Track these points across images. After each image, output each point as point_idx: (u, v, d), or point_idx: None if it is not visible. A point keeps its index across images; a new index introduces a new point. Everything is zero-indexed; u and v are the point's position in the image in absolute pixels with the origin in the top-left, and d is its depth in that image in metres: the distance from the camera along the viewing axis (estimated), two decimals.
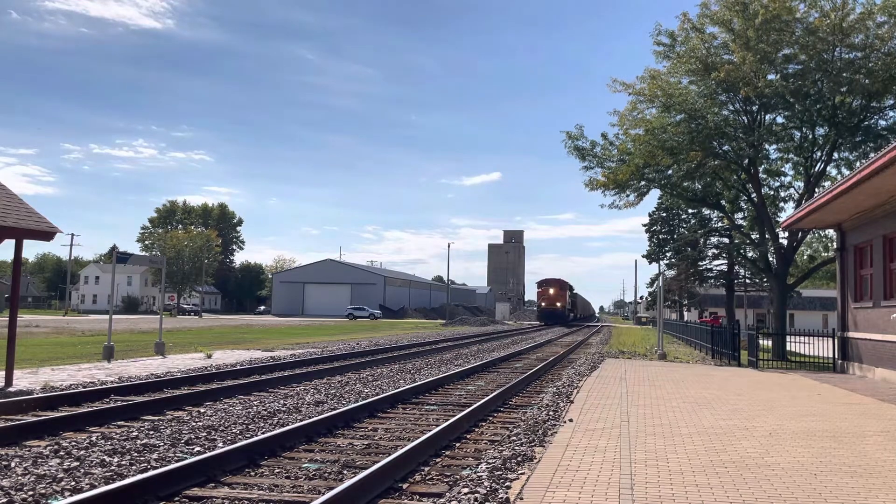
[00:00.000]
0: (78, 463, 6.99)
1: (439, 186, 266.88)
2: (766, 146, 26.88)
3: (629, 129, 27.73)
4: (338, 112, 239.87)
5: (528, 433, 9.02)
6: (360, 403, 10.96)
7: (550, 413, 10.79)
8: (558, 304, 72.91)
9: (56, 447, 7.71)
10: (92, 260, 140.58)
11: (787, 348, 24.98)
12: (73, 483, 6.25)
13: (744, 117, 26.85)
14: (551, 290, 73.49)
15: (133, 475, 6.48)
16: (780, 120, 27.43)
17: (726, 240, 50.78)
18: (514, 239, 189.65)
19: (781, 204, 30.14)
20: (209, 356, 21.15)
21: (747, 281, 57.56)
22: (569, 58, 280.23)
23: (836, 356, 20.85)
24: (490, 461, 7.39)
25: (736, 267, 54.25)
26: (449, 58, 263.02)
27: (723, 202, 32.54)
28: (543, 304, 74.23)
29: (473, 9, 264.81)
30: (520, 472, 6.92)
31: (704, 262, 57.81)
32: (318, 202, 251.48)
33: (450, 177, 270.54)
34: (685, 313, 70.45)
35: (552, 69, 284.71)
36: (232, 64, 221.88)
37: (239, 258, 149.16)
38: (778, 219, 28.57)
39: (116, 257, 22.00)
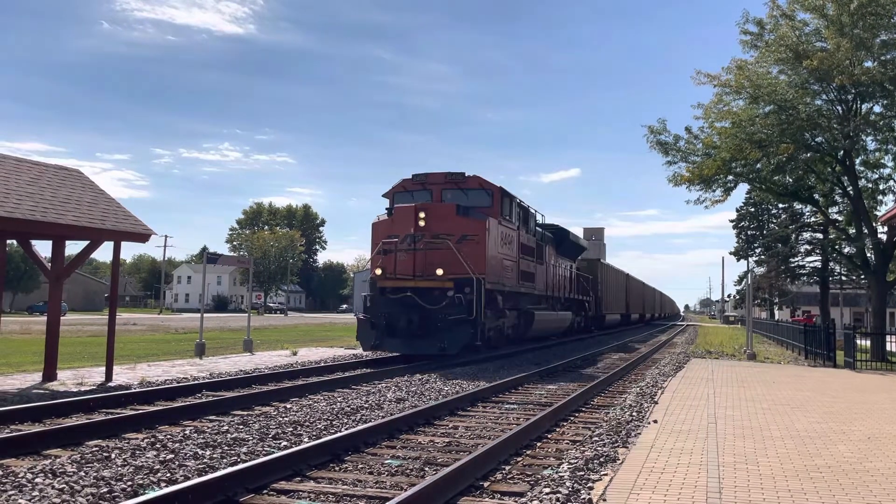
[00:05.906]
0: (173, 455, 7.28)
1: (517, 183, 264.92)
2: (863, 137, 25.59)
3: (715, 121, 26.89)
4: (414, 111, 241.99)
5: (611, 434, 8.87)
6: (440, 401, 11.02)
7: (634, 414, 10.58)
8: (460, 271, 17.78)
9: (152, 440, 8.06)
10: (184, 260, 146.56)
11: (887, 349, 23.75)
12: (168, 474, 6.52)
13: (838, 107, 25.63)
14: (421, 215, 18.44)
15: (224, 468, 6.70)
16: (877, 109, 26.06)
17: (820, 235, 48.74)
18: (594, 236, 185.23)
19: (880, 197, 28.74)
20: (294, 353, 21.71)
21: (843, 278, 55.08)
22: (648, 49, 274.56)
23: None
24: (572, 461, 7.30)
25: (830, 264, 52.00)
26: (525, 52, 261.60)
27: (816, 196, 31.18)
28: (384, 276, 18.80)
29: (549, 1, 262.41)
30: (602, 472, 6.81)
31: (796, 259, 55.65)
32: None
33: (528, 174, 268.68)
34: (776, 312, 67.90)
35: (631, 61, 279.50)
36: (310, 66, 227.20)
37: (322, 258, 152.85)
38: (876, 213, 27.24)
39: (206, 258, 22.90)
